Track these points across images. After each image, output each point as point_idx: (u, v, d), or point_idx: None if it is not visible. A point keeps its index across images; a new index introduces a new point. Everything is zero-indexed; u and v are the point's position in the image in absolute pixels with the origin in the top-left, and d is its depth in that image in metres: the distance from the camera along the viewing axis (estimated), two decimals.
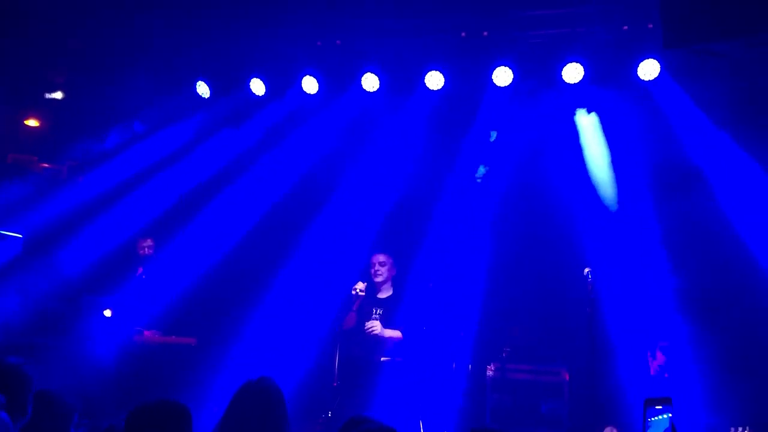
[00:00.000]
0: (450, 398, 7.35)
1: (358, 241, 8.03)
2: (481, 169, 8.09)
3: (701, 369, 6.61)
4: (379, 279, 7.15)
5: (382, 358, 7.10)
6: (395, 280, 7.27)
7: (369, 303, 7.10)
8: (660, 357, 6.85)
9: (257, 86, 8.40)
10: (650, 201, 7.41)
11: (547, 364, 7.41)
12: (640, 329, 6.84)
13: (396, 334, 6.98)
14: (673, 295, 6.89)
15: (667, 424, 3.12)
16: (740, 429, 6.12)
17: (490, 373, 7.42)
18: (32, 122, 9.44)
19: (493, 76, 7.62)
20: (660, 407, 3.08)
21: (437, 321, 7.58)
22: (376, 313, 7.07)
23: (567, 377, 7.25)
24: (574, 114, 7.84)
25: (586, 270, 6.25)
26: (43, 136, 9.41)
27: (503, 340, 7.62)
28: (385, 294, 7.20)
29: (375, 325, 6.93)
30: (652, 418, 3.04)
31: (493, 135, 8.23)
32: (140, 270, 7.97)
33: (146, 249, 8.05)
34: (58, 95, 9.34)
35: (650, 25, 6.99)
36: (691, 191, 7.26)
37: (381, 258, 7.22)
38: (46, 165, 9.22)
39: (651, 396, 3.21)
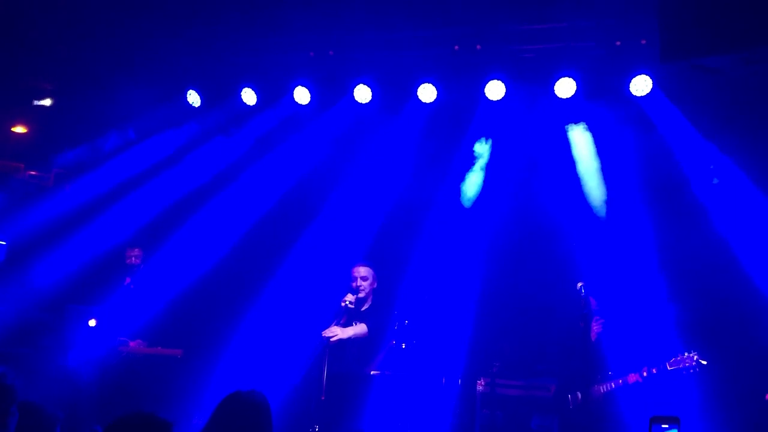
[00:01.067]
0: (439, 413, 7.26)
1: (349, 253, 7.96)
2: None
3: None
4: (361, 295, 7.13)
5: (371, 372, 7.04)
6: (376, 292, 7.23)
7: (351, 316, 7.08)
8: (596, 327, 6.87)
9: (248, 96, 8.35)
10: (643, 215, 7.39)
11: (537, 379, 7.35)
12: (633, 344, 6.79)
13: (359, 329, 6.98)
14: (668, 309, 6.85)
15: None
16: (692, 353, 6.19)
17: (480, 388, 7.34)
18: (19, 129, 9.34)
19: (486, 90, 7.60)
20: (666, 426, 3.01)
21: (427, 335, 7.52)
22: (354, 325, 7.04)
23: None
24: (567, 128, 7.82)
25: (579, 284, 6.22)
26: (30, 143, 9.31)
27: (493, 354, 7.56)
28: (365, 306, 7.20)
29: (335, 332, 6.90)
30: None
31: (482, 149, 8.18)
32: (128, 280, 7.86)
33: (134, 258, 7.94)
34: (46, 102, 9.25)
35: (643, 41, 7.00)
36: (684, 205, 7.26)
37: (362, 272, 7.19)
38: (33, 172, 9.11)
39: (645, 409, 3.16)
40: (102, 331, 7.15)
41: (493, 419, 7.22)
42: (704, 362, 6.17)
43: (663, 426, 3.01)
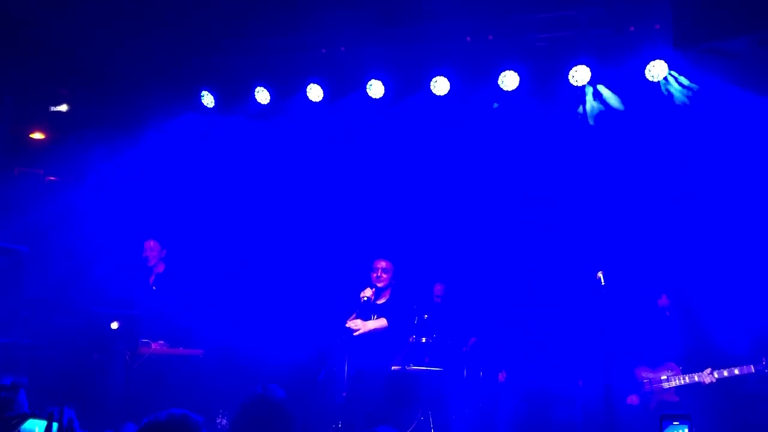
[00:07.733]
0: (461, 406, 7.26)
1: (364, 248, 7.96)
2: None
3: None
4: (380, 284, 7.14)
5: (392, 367, 7.04)
6: (395, 288, 7.23)
7: (368, 309, 7.09)
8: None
9: (262, 95, 8.37)
10: (662, 201, 7.31)
11: (559, 371, 7.32)
12: (653, 330, 6.74)
13: (380, 323, 6.98)
14: (689, 293, 6.77)
15: None
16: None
17: (501, 380, 7.34)
18: (38, 135, 9.43)
19: (500, 81, 7.56)
20: (677, 423, 3.00)
21: (448, 328, 7.51)
22: (372, 319, 7.05)
23: (580, 384, 7.16)
24: (583, 116, 7.75)
25: (599, 274, 6.16)
26: (49, 148, 9.40)
27: (515, 346, 7.54)
28: (382, 300, 7.20)
29: (357, 325, 6.91)
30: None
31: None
32: (151, 280, 7.90)
33: (151, 253, 7.91)
34: (63, 108, 9.34)
35: (657, 26, 6.92)
36: (699, 189, 7.17)
37: (383, 264, 7.21)
38: (53, 178, 9.20)
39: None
40: (124, 333, 7.19)
41: (515, 411, 7.21)
42: None
43: (674, 423, 2.99)
